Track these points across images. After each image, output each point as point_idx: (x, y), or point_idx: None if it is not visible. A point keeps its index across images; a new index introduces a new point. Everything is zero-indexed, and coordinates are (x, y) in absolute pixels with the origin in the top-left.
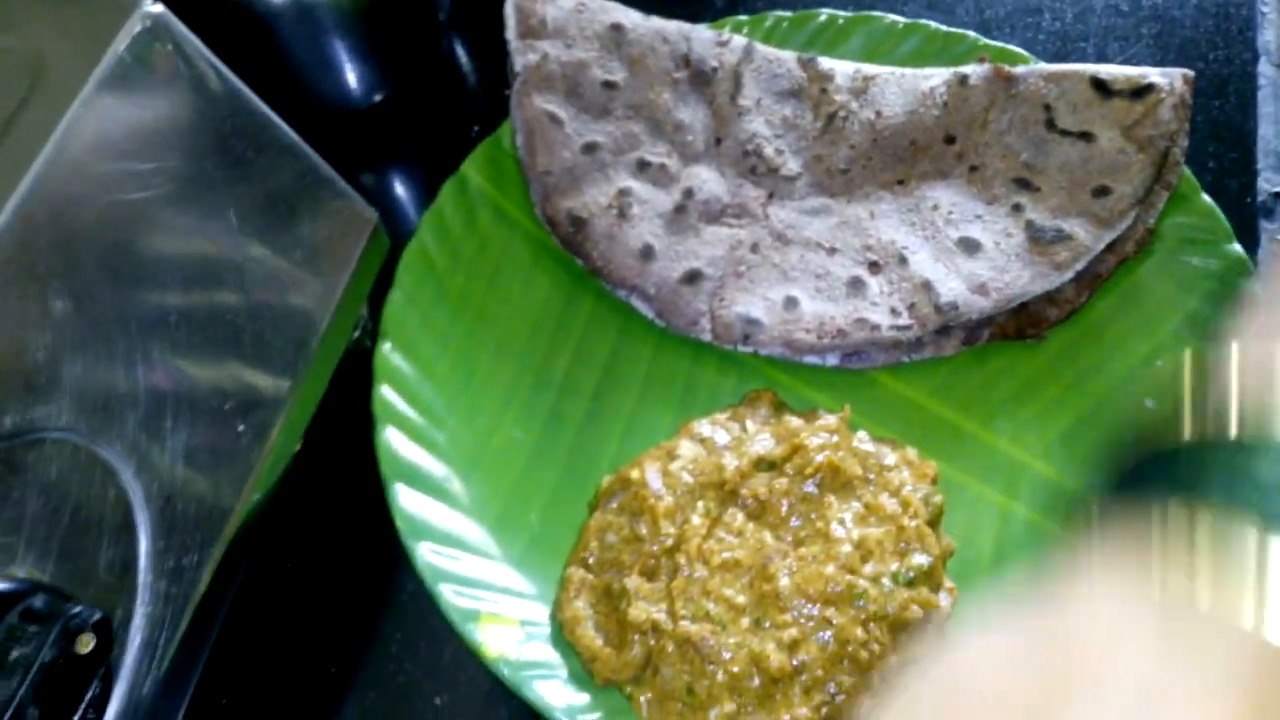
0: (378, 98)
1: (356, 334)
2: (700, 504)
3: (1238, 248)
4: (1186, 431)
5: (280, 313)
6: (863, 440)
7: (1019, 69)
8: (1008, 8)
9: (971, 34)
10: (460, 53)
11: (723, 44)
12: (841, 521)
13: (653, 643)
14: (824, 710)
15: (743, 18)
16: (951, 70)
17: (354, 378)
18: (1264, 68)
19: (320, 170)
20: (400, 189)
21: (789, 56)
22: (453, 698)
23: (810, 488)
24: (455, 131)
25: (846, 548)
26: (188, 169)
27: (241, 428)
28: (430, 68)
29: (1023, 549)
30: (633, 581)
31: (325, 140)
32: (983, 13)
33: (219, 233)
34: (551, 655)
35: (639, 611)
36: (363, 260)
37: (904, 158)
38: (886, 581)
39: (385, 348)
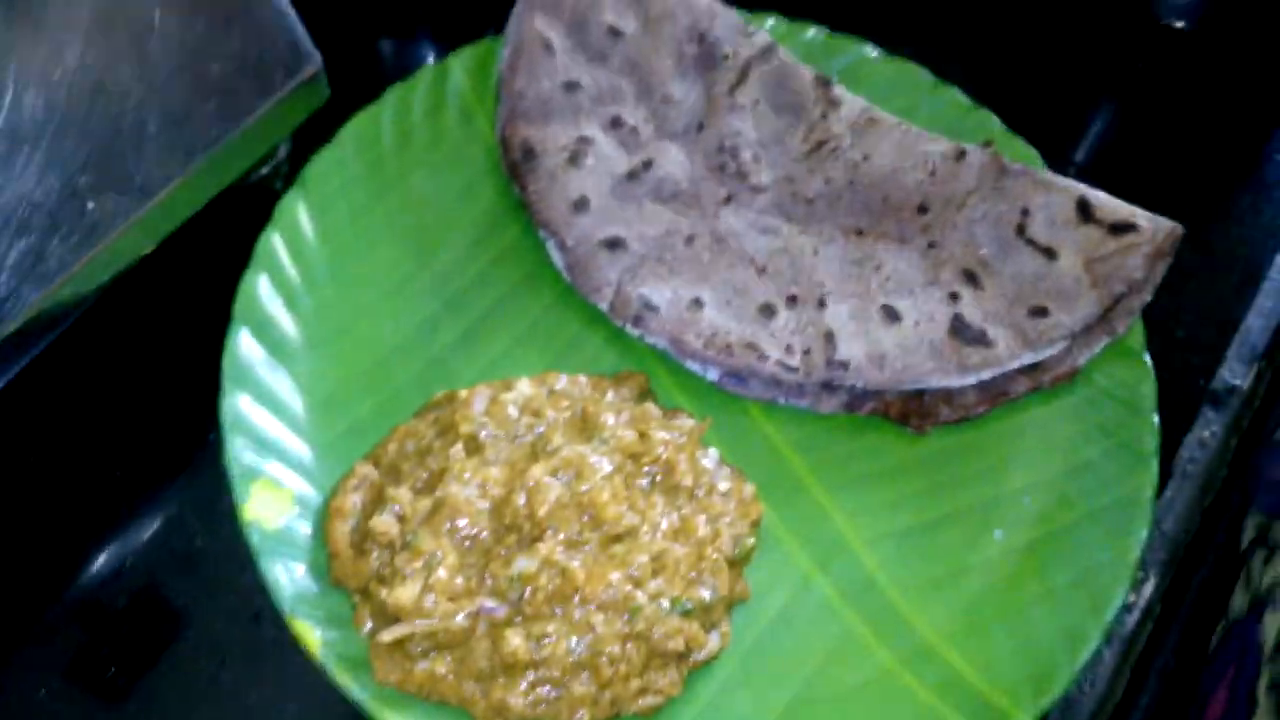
0: None
1: (265, 171)
2: (502, 449)
3: (1154, 421)
4: None
5: (173, 109)
6: (708, 457)
7: (1015, 165)
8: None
9: (993, 116)
10: None
11: (746, 35)
12: (654, 528)
13: (385, 561)
14: (540, 708)
15: (782, 21)
16: (954, 144)
17: (253, 217)
18: None
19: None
20: (391, 57)
21: (807, 72)
22: (209, 542)
23: (643, 484)
24: (474, 28)
25: (643, 557)
26: None
27: (93, 202)
28: None
29: (809, 621)
30: (400, 493)
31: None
32: None
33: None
34: (305, 540)
35: (382, 524)
36: (289, 98)
37: (872, 210)
38: (665, 603)
39: (293, 196)
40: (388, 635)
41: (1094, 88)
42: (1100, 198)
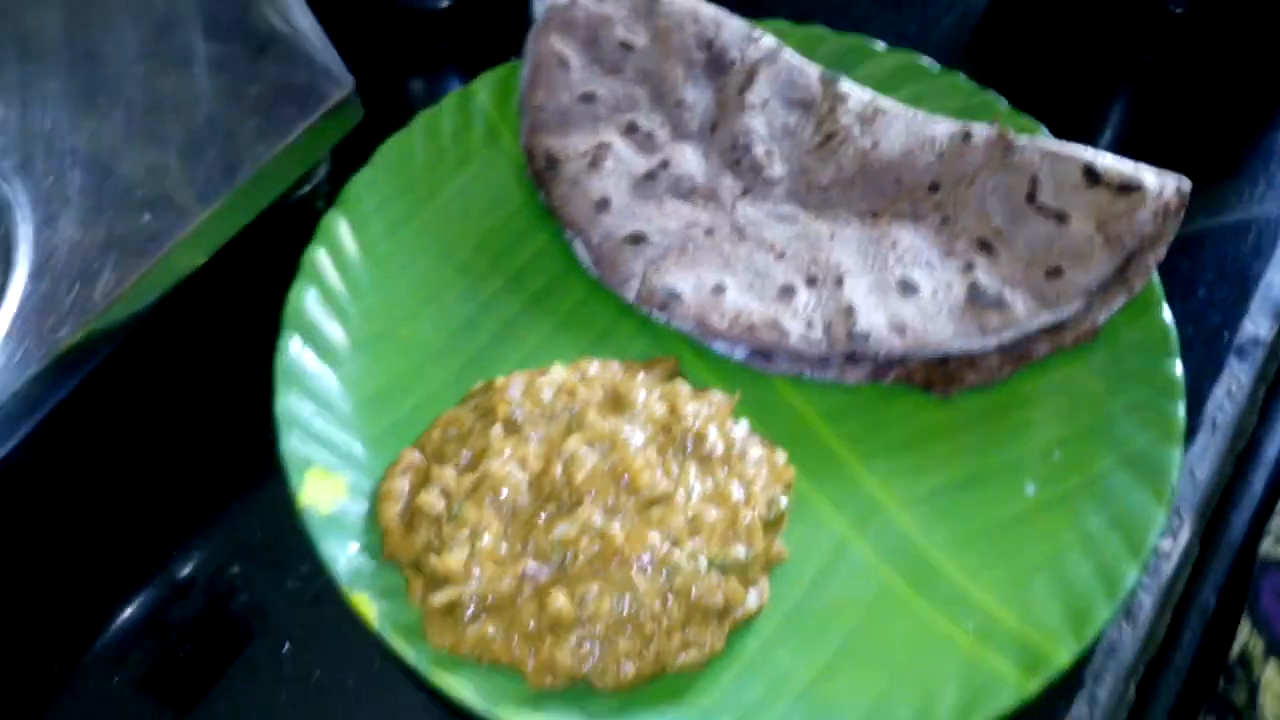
0: (444, 4)
1: (306, 190)
2: (539, 427)
3: (1177, 368)
4: None
5: (216, 131)
6: (739, 427)
7: (1021, 139)
8: None
9: (995, 95)
10: None
11: (752, 40)
12: (689, 493)
13: (434, 535)
14: (587, 664)
15: (786, 24)
16: (960, 124)
17: (298, 233)
18: None
19: (305, 24)
20: (420, 87)
21: (813, 70)
22: (267, 535)
23: (676, 454)
24: (499, 53)
25: (679, 520)
26: None
27: (147, 218)
28: None
29: (847, 581)
30: (445, 472)
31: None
32: None
33: (180, 35)
34: (358, 522)
35: (428, 500)
36: (325, 120)
37: (885, 193)
38: (702, 560)
39: (334, 214)
40: (439, 598)
41: (1104, 77)
42: (1106, 160)
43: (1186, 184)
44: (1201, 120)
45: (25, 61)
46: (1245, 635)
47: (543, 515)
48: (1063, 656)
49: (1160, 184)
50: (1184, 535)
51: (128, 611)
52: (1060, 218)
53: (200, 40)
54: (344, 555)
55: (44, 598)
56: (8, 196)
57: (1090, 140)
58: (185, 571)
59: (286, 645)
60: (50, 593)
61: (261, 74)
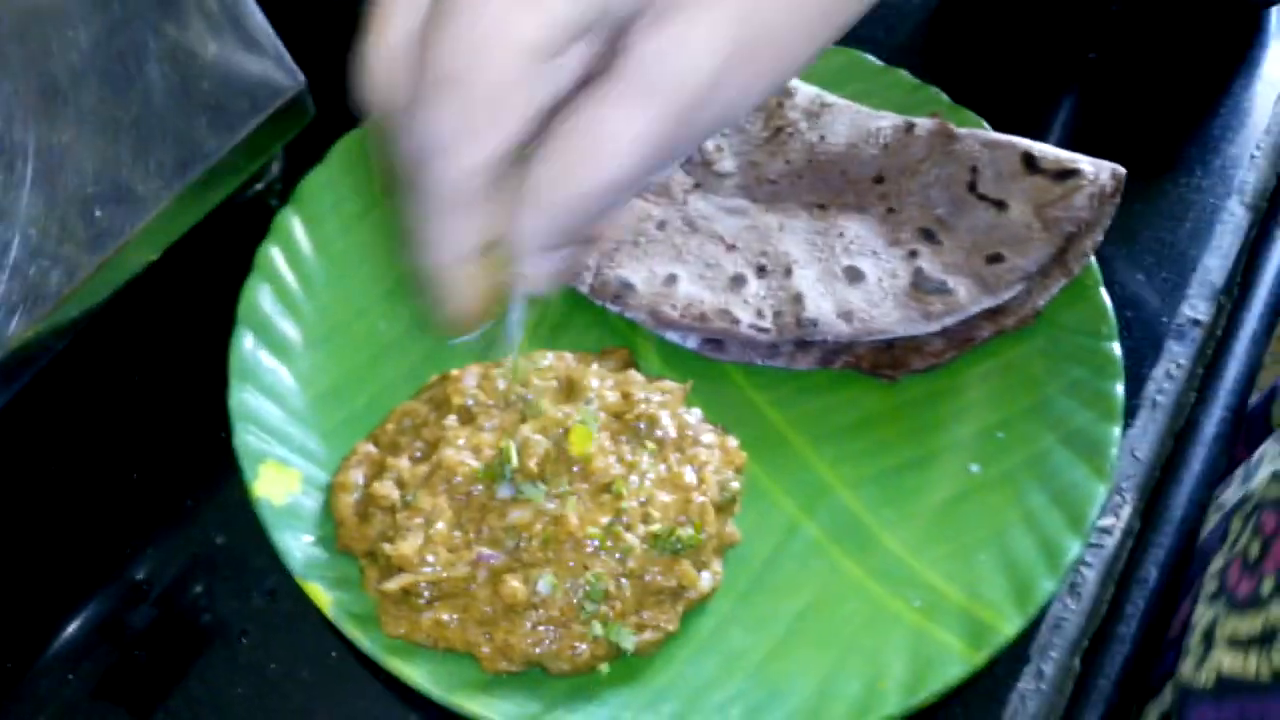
0: None
1: (260, 187)
2: (493, 417)
3: (1115, 348)
4: None
5: (168, 127)
6: (691, 414)
7: (962, 130)
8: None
9: (937, 90)
10: None
11: None
12: (642, 477)
13: (388, 524)
14: (542, 647)
15: None
16: (903, 117)
17: (252, 230)
18: (1232, 204)
19: (254, 21)
20: None
21: None
22: (222, 531)
23: (625, 441)
24: None
25: (633, 504)
26: None
27: (99, 213)
28: None
29: (798, 561)
30: (399, 462)
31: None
32: None
33: (130, 32)
34: (313, 514)
35: (382, 489)
36: (277, 117)
37: (832, 185)
38: (653, 543)
39: (288, 211)
40: (393, 584)
41: (1051, 76)
42: (1043, 149)
43: (1121, 170)
44: (1141, 113)
45: None
46: None
47: (497, 503)
48: (1007, 629)
49: (1096, 170)
50: (1126, 513)
51: (84, 611)
52: (1000, 205)
53: (151, 37)
54: (299, 546)
55: None
56: None
57: (1038, 137)
58: (141, 568)
59: (242, 639)
60: (5, 593)
61: (213, 71)
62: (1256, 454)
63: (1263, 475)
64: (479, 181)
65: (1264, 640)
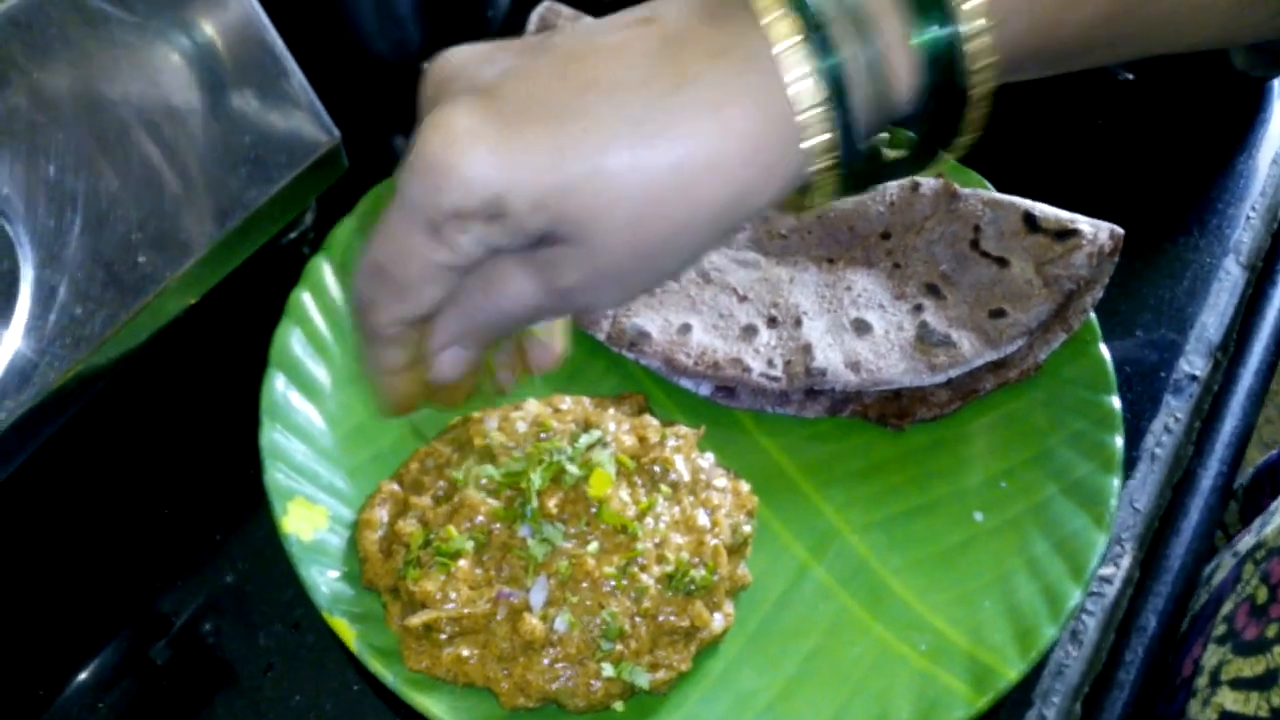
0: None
1: (294, 235)
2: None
3: (1115, 401)
4: None
5: (209, 179)
6: (705, 459)
7: (965, 189)
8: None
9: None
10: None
11: None
12: (657, 520)
13: (408, 559)
14: (559, 684)
15: None
16: (908, 177)
17: (285, 276)
18: (1229, 263)
19: (294, 80)
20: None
21: None
22: (250, 565)
23: (641, 484)
24: None
25: (648, 545)
26: (155, 28)
27: (142, 259)
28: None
29: (807, 604)
30: (422, 501)
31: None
32: None
33: (177, 89)
34: (339, 550)
35: (406, 526)
36: (312, 170)
37: (840, 240)
38: (666, 586)
39: (319, 259)
40: (415, 619)
41: (1061, 142)
42: (1044, 209)
43: (1119, 231)
44: (1144, 176)
45: (34, 113)
46: None
47: (515, 539)
48: (1010, 674)
49: (1095, 230)
50: (1125, 562)
51: (114, 641)
52: (1002, 262)
53: (196, 94)
54: (325, 581)
55: (32, 627)
56: (12, 238)
57: (1043, 197)
58: (170, 600)
59: (268, 672)
60: (39, 622)
61: (254, 126)
62: (1275, 503)
63: (1275, 524)
64: (395, 331)
65: (1266, 682)
